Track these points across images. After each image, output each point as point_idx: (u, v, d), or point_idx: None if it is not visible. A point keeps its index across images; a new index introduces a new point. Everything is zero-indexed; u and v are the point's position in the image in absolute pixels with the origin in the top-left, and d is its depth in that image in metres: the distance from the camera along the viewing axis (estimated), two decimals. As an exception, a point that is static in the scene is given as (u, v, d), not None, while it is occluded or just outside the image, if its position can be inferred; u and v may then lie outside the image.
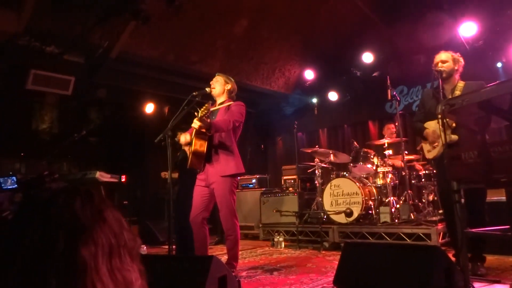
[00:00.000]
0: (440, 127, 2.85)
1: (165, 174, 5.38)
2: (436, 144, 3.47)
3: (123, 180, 5.55)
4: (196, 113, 3.34)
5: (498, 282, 2.98)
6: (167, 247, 3.40)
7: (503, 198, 4.06)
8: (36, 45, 4.97)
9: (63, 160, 7.17)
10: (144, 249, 5.39)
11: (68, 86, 5.65)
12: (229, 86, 3.71)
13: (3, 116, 5.73)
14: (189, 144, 3.57)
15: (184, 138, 3.65)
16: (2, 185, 4.66)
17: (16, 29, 4.79)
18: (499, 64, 6.05)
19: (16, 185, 4.67)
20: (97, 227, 0.75)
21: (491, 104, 2.04)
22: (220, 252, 5.20)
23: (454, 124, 3.15)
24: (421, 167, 5.65)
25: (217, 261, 2.18)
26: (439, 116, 2.65)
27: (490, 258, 3.87)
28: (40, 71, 5.36)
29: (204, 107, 3.31)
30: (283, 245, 5.53)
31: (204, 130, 3.31)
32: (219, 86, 3.67)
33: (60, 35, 5.18)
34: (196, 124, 3.25)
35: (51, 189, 0.80)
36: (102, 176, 4.74)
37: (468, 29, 5.73)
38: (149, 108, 7.38)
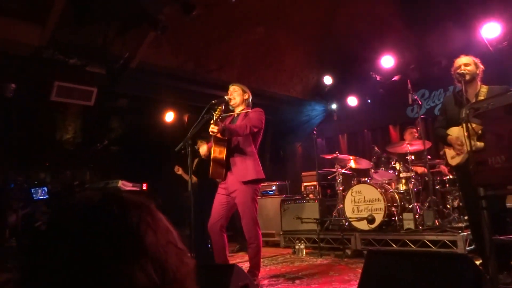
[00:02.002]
0: (465, 132, 2.78)
1: (178, 168, 5.42)
2: (460, 151, 3.37)
3: (144, 188, 5.62)
4: (212, 120, 3.34)
5: (528, 291, 2.87)
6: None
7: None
8: (60, 57, 5.11)
9: (86, 169, 7.32)
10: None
11: (90, 97, 5.78)
12: (246, 96, 3.72)
13: (29, 127, 5.89)
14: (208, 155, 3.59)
15: (202, 150, 3.68)
16: (34, 195, 4.75)
17: (40, 42, 4.94)
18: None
19: (47, 196, 4.76)
20: (136, 268, 0.60)
21: (518, 107, 1.98)
22: (241, 260, 5.18)
23: (480, 131, 3.06)
24: (446, 170, 5.51)
25: (238, 270, 2.17)
26: (464, 121, 2.59)
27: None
28: (63, 83, 5.50)
29: (217, 109, 3.31)
30: (304, 253, 5.47)
31: (220, 136, 3.32)
32: (238, 96, 3.67)
33: (82, 48, 5.31)
34: (212, 129, 3.26)
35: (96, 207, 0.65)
36: (125, 185, 4.81)
37: (491, 30, 5.61)
38: (169, 116, 7.47)
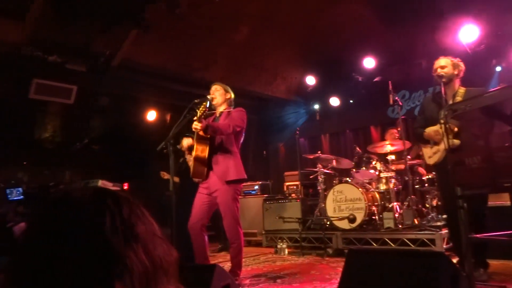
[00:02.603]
0: (443, 132, 2.84)
1: (164, 174, 5.37)
2: (436, 149, 3.45)
3: (125, 188, 5.55)
4: (195, 117, 3.32)
5: (504, 287, 2.95)
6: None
7: (504, 203, 4.05)
8: (39, 54, 5.00)
9: (66, 169, 7.18)
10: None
11: (70, 95, 5.67)
12: (228, 95, 3.73)
13: (6, 125, 5.75)
14: (191, 149, 3.57)
15: (186, 142, 3.65)
16: (8, 196, 4.65)
17: (19, 39, 4.83)
18: (498, 68, 6.04)
19: (22, 197, 4.66)
20: (131, 252, 0.65)
21: (494, 109, 2.04)
22: (223, 260, 5.17)
23: (456, 129, 3.14)
24: (424, 171, 5.62)
25: (220, 270, 2.16)
26: (442, 121, 2.65)
27: (496, 263, 3.84)
28: (42, 80, 5.39)
29: (202, 105, 3.30)
30: (286, 252, 5.50)
31: (202, 133, 3.30)
32: (220, 96, 3.67)
33: (63, 45, 5.22)
34: (196, 126, 3.25)
35: (71, 200, 0.69)
36: (105, 184, 4.74)
37: (469, 33, 5.74)
38: (151, 115, 7.40)
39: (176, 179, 4.91)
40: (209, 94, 3.67)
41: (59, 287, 0.61)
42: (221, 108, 3.70)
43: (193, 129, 3.31)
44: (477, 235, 2.47)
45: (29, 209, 4.48)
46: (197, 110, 3.31)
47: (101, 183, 4.67)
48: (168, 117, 7.52)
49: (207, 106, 3.38)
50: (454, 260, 3.25)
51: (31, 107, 6.21)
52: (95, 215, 0.67)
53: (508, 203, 3.59)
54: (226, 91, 3.72)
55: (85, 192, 0.72)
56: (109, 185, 4.80)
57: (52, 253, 0.63)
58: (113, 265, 0.63)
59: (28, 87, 5.33)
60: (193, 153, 3.45)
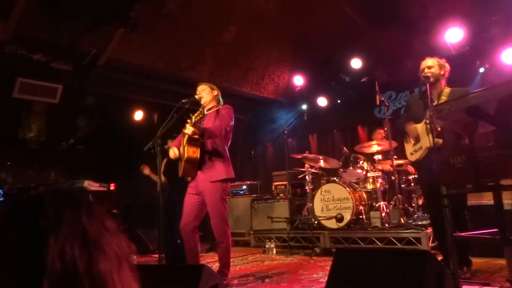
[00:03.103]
0: (428, 131, 2.88)
1: (144, 167, 5.30)
2: (418, 146, 3.50)
3: (112, 188, 5.49)
4: (189, 120, 3.33)
5: (488, 285, 3.01)
6: (157, 256, 3.37)
7: (486, 202, 4.13)
8: (23, 53, 4.92)
9: (51, 169, 7.08)
10: (134, 258, 5.32)
11: (55, 94, 5.59)
12: (215, 93, 3.76)
13: (-10, 125, 5.64)
14: (180, 156, 3.56)
15: (173, 152, 3.63)
16: (-11, 197, 4.57)
17: (3, 37, 4.74)
18: (481, 70, 6.15)
19: (2, 198, 4.58)
20: (105, 240, 0.72)
21: (478, 110, 2.07)
22: (211, 260, 5.16)
23: (439, 128, 3.19)
24: (413, 169, 5.68)
25: (208, 270, 2.16)
26: (427, 121, 2.68)
27: (479, 261, 3.91)
28: (26, 79, 5.30)
29: (197, 112, 3.32)
30: (274, 252, 5.51)
31: (197, 137, 3.30)
32: (207, 94, 3.68)
33: (48, 43, 5.14)
34: (189, 130, 3.23)
35: (44, 207, 0.73)
36: (91, 185, 4.68)
37: (454, 34, 5.82)
38: (138, 115, 7.34)
39: (164, 179, 4.87)
40: (196, 94, 3.67)
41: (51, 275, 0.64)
42: (209, 106, 3.71)
43: (186, 132, 3.31)
44: (461, 234, 2.51)
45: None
46: (191, 116, 3.34)
47: (87, 183, 4.61)
48: (155, 117, 7.47)
49: (204, 112, 3.40)
50: (439, 258, 3.30)
51: (15, 106, 6.11)
52: (74, 213, 0.72)
53: (490, 202, 3.67)
54: (212, 89, 3.74)
55: (40, 196, 0.76)
56: (95, 185, 4.74)
57: None
58: (95, 250, 0.68)
59: (12, 86, 5.24)
60: (185, 155, 3.43)
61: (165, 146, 4.49)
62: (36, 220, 0.70)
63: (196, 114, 3.32)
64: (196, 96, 3.61)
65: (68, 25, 4.97)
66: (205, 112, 3.69)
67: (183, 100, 3.46)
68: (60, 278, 0.64)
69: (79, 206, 0.74)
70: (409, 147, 3.65)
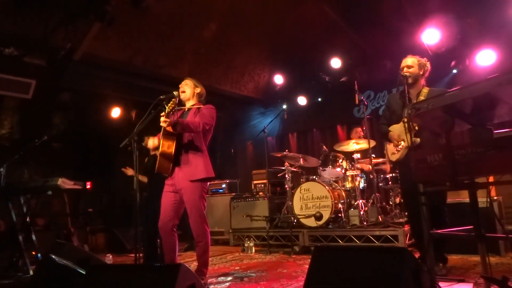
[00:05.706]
0: (406, 129, 2.90)
1: (127, 170, 5.19)
2: (400, 147, 3.54)
3: (88, 187, 5.35)
4: (163, 112, 3.23)
5: (462, 281, 3.06)
6: (134, 255, 3.30)
7: (462, 200, 4.23)
8: (-6, 46, 4.74)
9: (24, 167, 6.87)
10: (110, 258, 5.22)
11: (28, 89, 5.42)
12: (198, 90, 3.65)
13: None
14: (158, 148, 3.48)
15: (152, 142, 3.56)
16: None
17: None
18: (454, 71, 6.29)
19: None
20: None
21: (455, 108, 2.09)
22: (190, 259, 5.11)
23: (417, 127, 3.23)
24: (389, 168, 5.76)
25: (185, 269, 2.11)
26: (405, 119, 2.70)
27: (455, 258, 4.00)
28: (-2, 74, 5.12)
29: (171, 102, 3.22)
30: (253, 250, 5.50)
31: (171, 129, 3.21)
32: (189, 89, 3.59)
33: (20, 37, 4.97)
34: (164, 123, 3.15)
35: None
36: (65, 183, 4.54)
37: (431, 36, 5.92)
38: (116, 112, 7.20)
39: (144, 179, 4.77)
40: (177, 90, 3.58)
41: None
42: (189, 103, 3.61)
43: (161, 125, 3.21)
44: (438, 231, 2.54)
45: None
46: (165, 106, 3.22)
47: (61, 181, 4.46)
48: (133, 114, 7.34)
49: (176, 102, 3.30)
50: (416, 256, 3.35)
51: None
52: None
53: (466, 199, 3.74)
54: (196, 86, 3.64)
55: None
56: (69, 183, 4.60)
57: None
58: None
59: (-18, 80, 5.05)
60: (160, 149, 3.35)
61: (143, 143, 4.40)
62: None
63: (169, 104, 3.20)
64: (175, 93, 3.52)
65: (41, 17, 4.82)
66: (186, 110, 3.61)
67: (161, 97, 3.37)
68: None
69: None
70: (390, 147, 3.68)
